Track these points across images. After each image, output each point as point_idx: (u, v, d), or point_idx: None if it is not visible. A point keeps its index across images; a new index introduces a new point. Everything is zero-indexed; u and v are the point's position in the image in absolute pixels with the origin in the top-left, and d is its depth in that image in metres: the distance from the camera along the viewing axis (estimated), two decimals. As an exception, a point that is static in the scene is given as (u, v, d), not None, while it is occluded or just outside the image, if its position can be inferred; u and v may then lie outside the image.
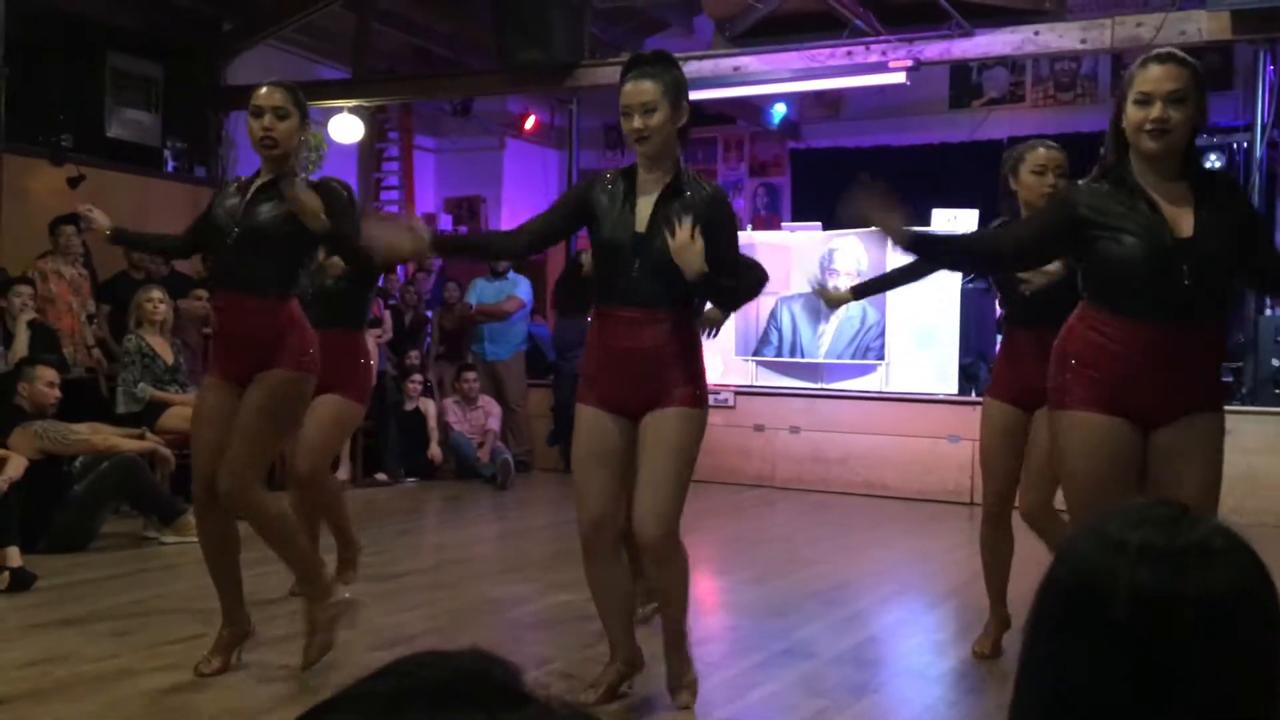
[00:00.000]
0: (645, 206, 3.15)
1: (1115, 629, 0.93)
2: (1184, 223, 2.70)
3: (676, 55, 2.81)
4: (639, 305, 3.12)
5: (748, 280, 3.47)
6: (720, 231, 3.15)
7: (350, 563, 4.83)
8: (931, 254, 3.21)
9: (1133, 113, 2.70)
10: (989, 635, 3.96)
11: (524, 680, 0.59)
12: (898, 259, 5.05)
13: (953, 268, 3.98)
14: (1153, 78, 2.68)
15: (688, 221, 3.06)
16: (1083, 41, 7.19)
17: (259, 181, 3.57)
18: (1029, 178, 3.81)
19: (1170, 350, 2.72)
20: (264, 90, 3.54)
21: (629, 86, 3.11)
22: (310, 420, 4.24)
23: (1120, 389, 2.74)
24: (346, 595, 3.82)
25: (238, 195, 3.57)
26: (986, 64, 10.12)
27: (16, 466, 4.93)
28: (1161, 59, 2.71)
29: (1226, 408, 2.99)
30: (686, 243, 3.05)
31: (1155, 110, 2.66)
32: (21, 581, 4.56)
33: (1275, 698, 0.93)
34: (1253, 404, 7.09)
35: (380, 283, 8.67)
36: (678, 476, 3.13)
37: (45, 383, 5.45)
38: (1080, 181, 2.89)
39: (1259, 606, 0.94)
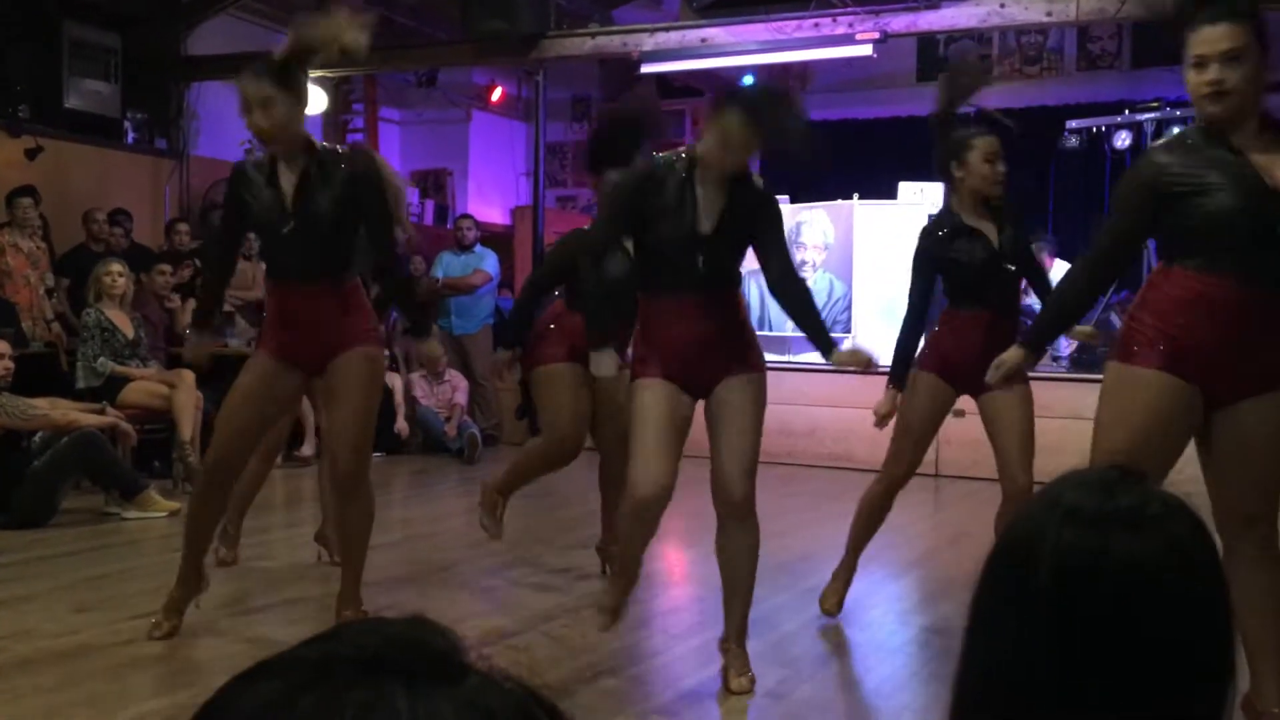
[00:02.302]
0: (708, 202, 3.19)
1: (1038, 591, 0.91)
2: (1278, 171, 2.54)
3: (643, 26, 2.85)
4: (705, 290, 3.22)
5: None
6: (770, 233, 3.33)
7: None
8: (1071, 325, 3.24)
9: (1191, 77, 2.55)
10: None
11: (465, 651, 0.58)
12: (863, 232, 5.03)
13: (1092, 307, 3.96)
14: (1205, 39, 2.52)
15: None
16: (1048, 14, 7.20)
17: (290, 169, 3.48)
18: (982, 166, 3.82)
19: (1261, 316, 2.57)
20: (245, 84, 3.40)
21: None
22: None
23: (1199, 354, 2.60)
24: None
25: (269, 186, 3.47)
26: (954, 37, 10.12)
27: (-26, 442, 4.86)
28: (1213, 17, 2.52)
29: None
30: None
31: (1211, 72, 2.50)
32: (-20, 558, 4.51)
33: (1202, 673, 0.91)
34: None
35: None
36: (758, 439, 3.30)
37: (-7, 355, 5.37)
38: (1154, 145, 2.78)
39: (1185, 578, 0.91)
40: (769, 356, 8.62)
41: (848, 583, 4.11)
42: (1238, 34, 2.50)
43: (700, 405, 3.34)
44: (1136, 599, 0.89)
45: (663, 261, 3.22)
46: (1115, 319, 7.50)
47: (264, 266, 3.72)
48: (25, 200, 7.18)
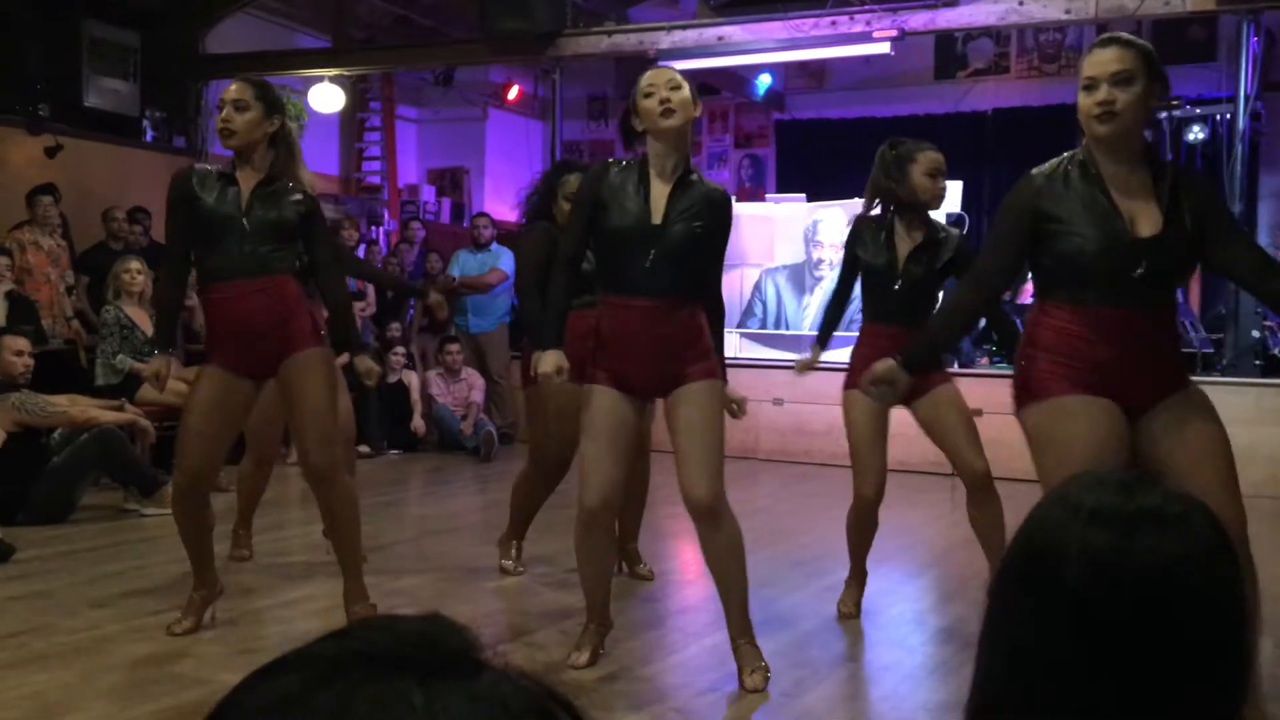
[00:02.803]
0: (659, 197, 3.23)
1: (1065, 591, 0.91)
2: (1143, 218, 2.68)
3: (660, 24, 2.87)
4: (655, 295, 3.22)
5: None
6: (720, 236, 3.34)
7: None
8: (944, 348, 3.33)
9: (1082, 100, 2.68)
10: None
11: (480, 648, 0.58)
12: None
13: (966, 335, 4.03)
14: (1097, 61, 2.65)
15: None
16: (1067, 12, 7.16)
17: (247, 175, 3.60)
18: (923, 180, 3.82)
19: (1134, 333, 2.72)
20: (232, 85, 3.62)
21: (650, 73, 3.25)
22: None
23: (1098, 375, 2.71)
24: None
25: (231, 185, 3.59)
26: (971, 35, 10.09)
27: (-6, 438, 4.89)
28: (1105, 43, 2.68)
29: (1207, 379, 3.03)
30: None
31: (1101, 93, 2.62)
32: (1, 553, 4.53)
33: (1225, 668, 0.91)
34: (1234, 375, 7.12)
35: (360, 253, 8.64)
36: (719, 441, 3.28)
37: (12, 352, 5.39)
38: (1035, 171, 2.82)
39: (1210, 575, 0.92)
40: (783, 355, 8.67)
41: (861, 586, 4.15)
42: (1127, 58, 2.62)
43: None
44: (1163, 598, 0.89)
45: (617, 256, 3.30)
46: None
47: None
48: (45, 198, 7.22)
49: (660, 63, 8.47)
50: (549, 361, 3.27)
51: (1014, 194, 2.82)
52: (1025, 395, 2.79)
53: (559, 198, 4.27)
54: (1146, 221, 2.67)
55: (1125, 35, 2.73)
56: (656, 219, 3.20)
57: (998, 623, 0.97)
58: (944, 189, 3.89)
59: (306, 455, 3.62)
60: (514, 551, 4.66)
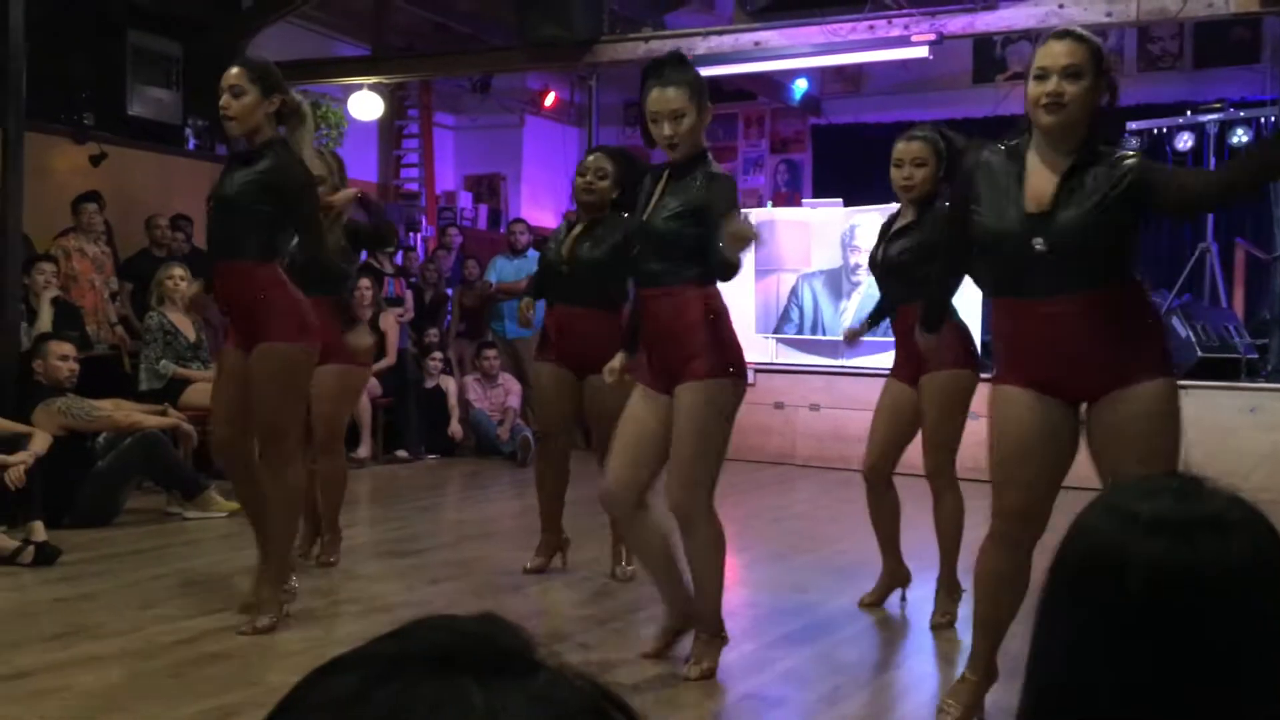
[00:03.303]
0: (659, 195, 3.33)
1: (1129, 603, 0.91)
2: (1047, 195, 2.71)
3: (696, 30, 2.87)
4: (652, 285, 3.32)
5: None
6: (711, 208, 3.22)
7: (330, 546, 4.78)
8: (939, 310, 3.31)
9: (1031, 88, 2.74)
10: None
11: (535, 648, 0.59)
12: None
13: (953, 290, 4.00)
14: (1049, 53, 2.73)
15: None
16: (1108, 15, 7.10)
17: (239, 151, 3.80)
18: (893, 170, 3.95)
19: (1056, 323, 2.71)
20: (231, 70, 3.69)
21: (655, 94, 3.22)
22: (314, 394, 4.36)
23: (1031, 365, 2.78)
24: (295, 584, 3.97)
25: (224, 171, 3.78)
26: (1010, 38, 10.01)
27: (41, 442, 4.97)
28: (1060, 35, 2.75)
29: (1253, 385, 2.98)
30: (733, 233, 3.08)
31: (1050, 84, 2.68)
32: (46, 556, 4.60)
33: None
34: (1279, 381, 7.02)
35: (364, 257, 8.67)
36: (696, 447, 3.23)
37: (58, 357, 5.47)
38: (986, 146, 2.90)
39: (1274, 578, 0.92)
40: (820, 361, 8.63)
41: (889, 580, 4.23)
42: (1079, 52, 2.69)
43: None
44: (1227, 603, 0.89)
45: (635, 254, 3.42)
46: (1178, 323, 7.36)
47: None
48: (90, 206, 7.33)
49: (697, 69, 8.50)
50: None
51: (963, 162, 2.97)
52: (993, 377, 2.96)
53: (575, 175, 4.59)
54: (1046, 198, 2.72)
55: (1080, 30, 2.81)
56: (645, 215, 3.31)
57: (1054, 633, 0.97)
58: (907, 177, 3.91)
59: (259, 442, 3.79)
60: (560, 548, 4.77)
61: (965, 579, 3.73)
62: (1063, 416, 2.80)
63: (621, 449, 3.37)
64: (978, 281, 3.13)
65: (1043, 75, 2.70)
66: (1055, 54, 2.70)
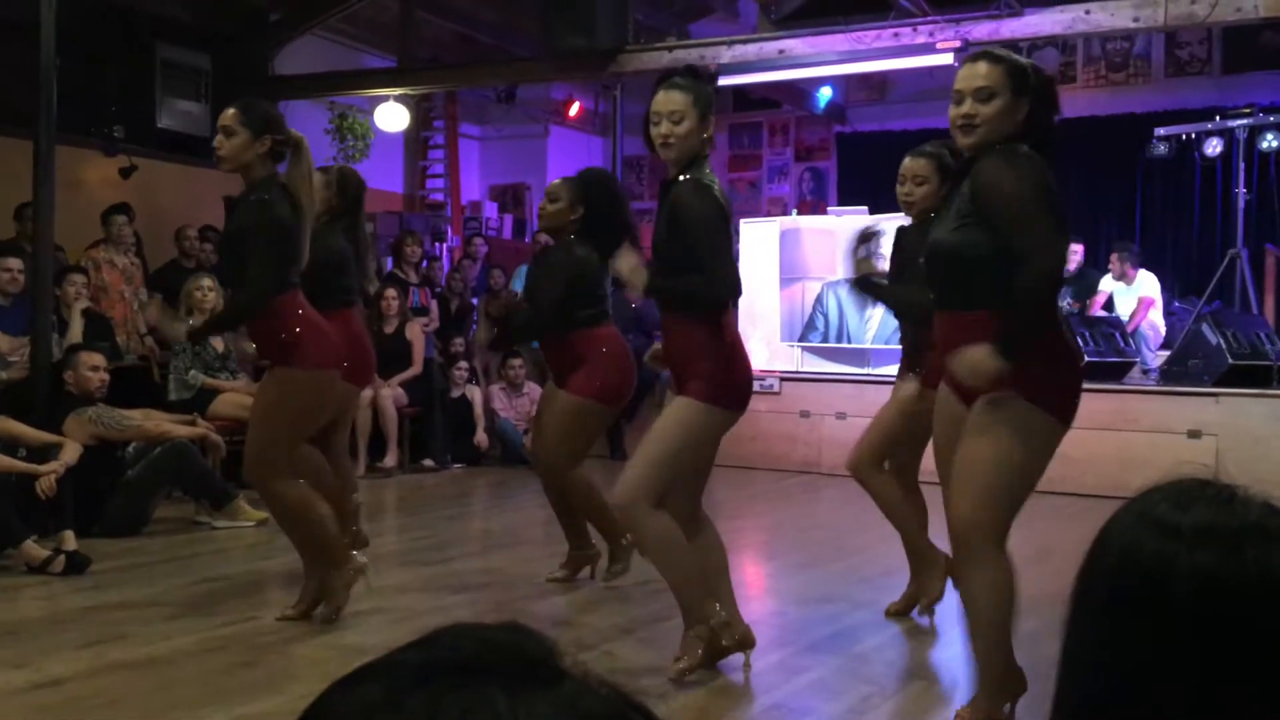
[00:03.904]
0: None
1: (1176, 613, 0.91)
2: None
3: (721, 39, 2.88)
4: (665, 308, 3.40)
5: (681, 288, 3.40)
6: (677, 232, 3.26)
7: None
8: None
9: (950, 110, 2.81)
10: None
11: (561, 656, 0.59)
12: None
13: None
14: (962, 76, 2.81)
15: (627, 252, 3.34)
16: (1135, 20, 7.06)
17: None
18: (898, 187, 4.03)
19: (946, 334, 2.87)
20: (227, 110, 3.82)
21: (660, 95, 3.26)
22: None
23: (945, 371, 2.93)
24: (363, 559, 4.08)
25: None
26: (1036, 44, 9.95)
27: (72, 452, 5.01)
28: (974, 58, 2.85)
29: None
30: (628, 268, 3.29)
31: (964, 107, 2.75)
32: (77, 565, 4.64)
33: None
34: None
35: (390, 266, 8.72)
36: (652, 452, 3.27)
37: (88, 367, 5.53)
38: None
39: None
40: (846, 369, 8.61)
41: (916, 588, 4.20)
42: (993, 74, 2.74)
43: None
44: (1277, 612, 0.89)
45: None
46: (1208, 330, 7.30)
47: None
48: (120, 218, 7.40)
49: (722, 78, 8.52)
50: None
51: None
52: None
53: None
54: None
55: (998, 51, 2.87)
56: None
57: (1088, 644, 0.96)
58: (907, 194, 4.00)
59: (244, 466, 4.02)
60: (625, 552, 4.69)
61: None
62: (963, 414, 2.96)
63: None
64: None
65: (958, 98, 2.79)
66: (968, 76, 2.77)
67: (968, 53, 7.53)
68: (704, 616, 3.34)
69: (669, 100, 3.21)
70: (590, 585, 4.68)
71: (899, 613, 4.19)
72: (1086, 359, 8.38)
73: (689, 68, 3.45)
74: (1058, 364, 2.81)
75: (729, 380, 3.31)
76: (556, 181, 4.70)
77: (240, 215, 3.79)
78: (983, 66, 2.76)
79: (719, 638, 3.35)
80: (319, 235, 4.64)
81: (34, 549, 4.63)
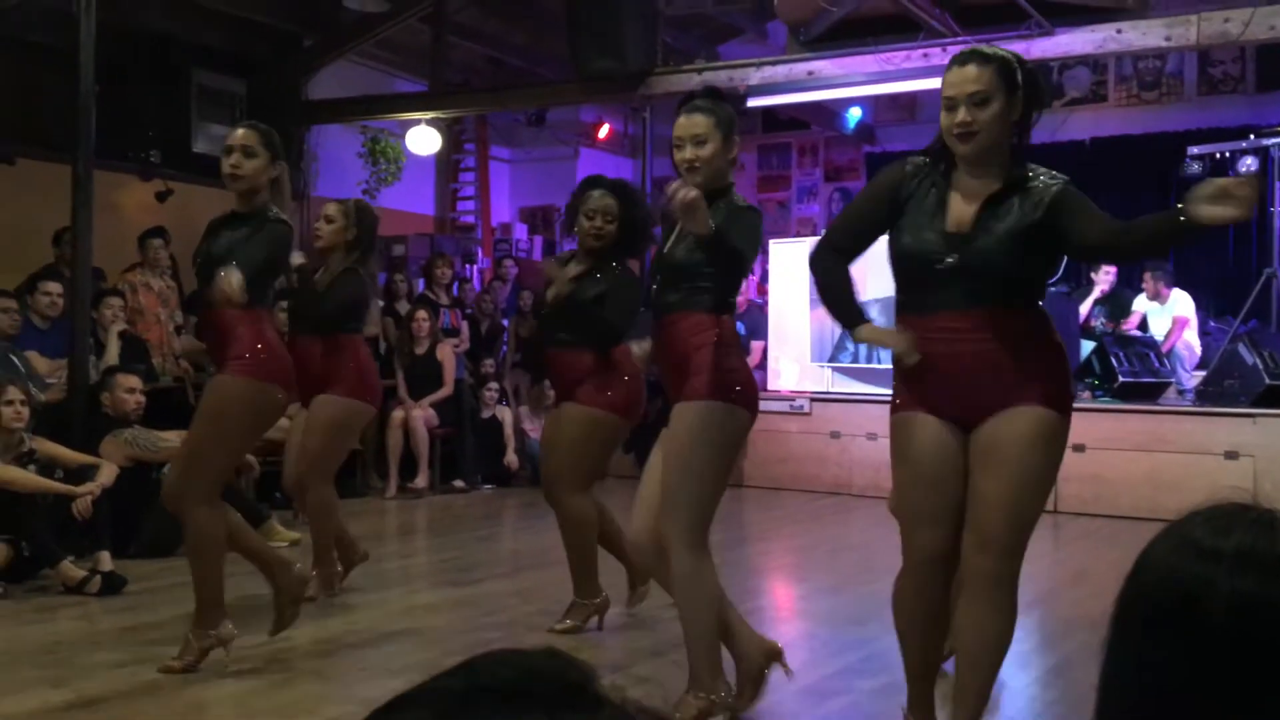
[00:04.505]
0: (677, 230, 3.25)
1: (1215, 637, 0.90)
2: (967, 218, 2.66)
3: (750, 61, 2.86)
4: (667, 313, 3.22)
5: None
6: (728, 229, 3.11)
7: (322, 580, 4.68)
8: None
9: (942, 118, 2.68)
10: None
11: (599, 682, 0.59)
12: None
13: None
14: (952, 80, 2.65)
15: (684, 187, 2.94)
16: (1167, 39, 7.02)
17: (231, 211, 3.81)
18: (584, 222, 4.08)
19: (952, 338, 2.64)
20: (239, 131, 3.77)
21: (682, 119, 3.21)
22: (307, 424, 4.64)
23: (925, 386, 2.71)
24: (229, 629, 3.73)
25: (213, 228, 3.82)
26: (1067, 63, 9.94)
27: (108, 473, 5.07)
28: (962, 59, 2.67)
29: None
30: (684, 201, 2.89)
31: (959, 114, 2.62)
32: (113, 585, 4.68)
33: None
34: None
35: (382, 281, 8.76)
36: (679, 470, 3.07)
37: (125, 389, 5.59)
38: (909, 161, 2.82)
39: None
40: (876, 390, 8.57)
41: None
42: (984, 77, 2.61)
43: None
44: None
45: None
46: (1244, 350, 7.22)
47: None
48: (156, 241, 7.50)
49: (751, 99, 8.54)
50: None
51: (887, 169, 2.86)
52: (892, 400, 2.85)
53: (580, 214, 4.21)
54: (967, 221, 2.66)
55: (985, 50, 2.70)
56: (666, 249, 3.27)
57: (1126, 669, 0.96)
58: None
59: (167, 480, 3.94)
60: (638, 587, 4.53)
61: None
62: (959, 442, 2.72)
63: (644, 497, 3.23)
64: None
65: (951, 105, 2.64)
66: (959, 82, 2.63)
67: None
68: (709, 689, 3.15)
69: (691, 124, 3.16)
70: (617, 607, 4.66)
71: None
72: (1121, 380, 8.21)
73: (709, 89, 3.36)
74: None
75: (744, 378, 3.19)
76: (604, 195, 4.33)
77: (265, 233, 3.67)
78: (973, 70, 2.62)
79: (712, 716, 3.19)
80: (346, 276, 4.72)
81: (71, 569, 4.68)
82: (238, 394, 3.61)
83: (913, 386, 2.74)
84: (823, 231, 3.01)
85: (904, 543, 2.79)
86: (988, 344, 2.65)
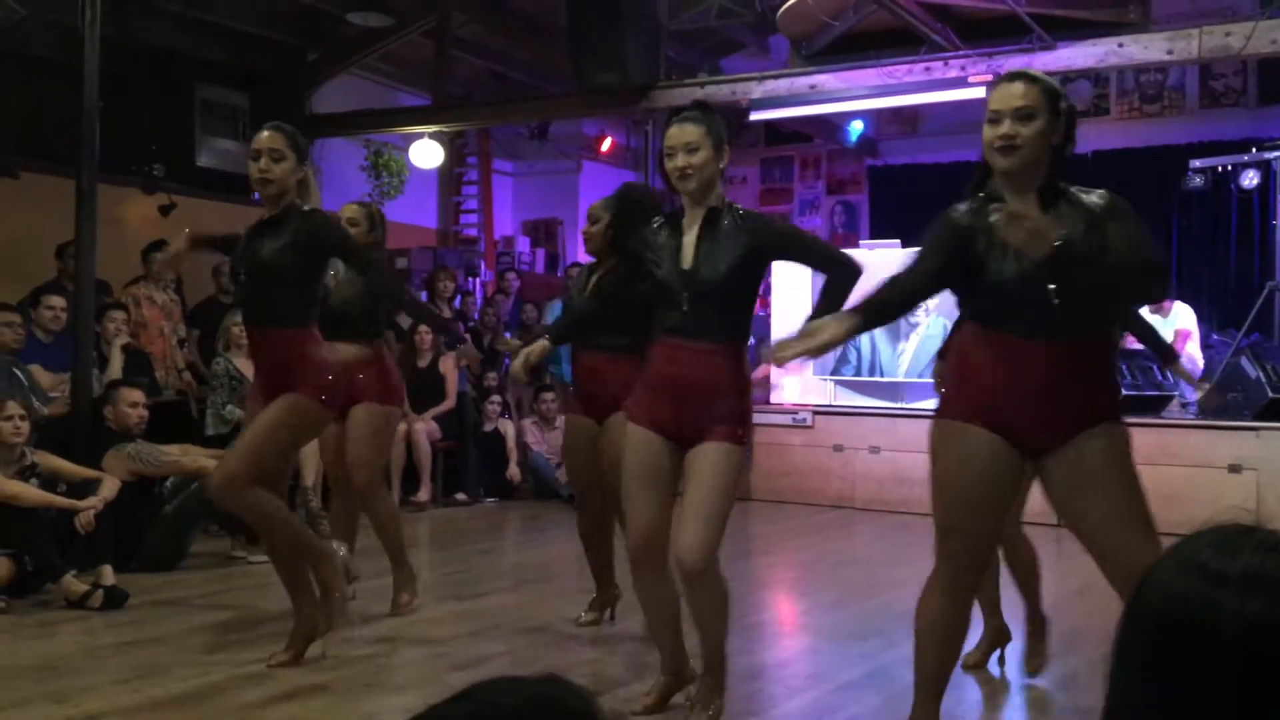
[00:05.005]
0: (690, 242, 3.23)
1: (1222, 659, 0.90)
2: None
3: (752, 75, 2.85)
4: (690, 337, 3.19)
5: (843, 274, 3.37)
6: (784, 250, 3.28)
7: (402, 585, 4.76)
8: (879, 322, 3.05)
9: (985, 132, 2.73)
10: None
11: (599, 708, 0.59)
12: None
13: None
14: (1001, 96, 2.72)
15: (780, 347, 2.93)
16: (1169, 53, 7.04)
17: (262, 218, 3.81)
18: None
19: (1045, 367, 2.67)
20: (264, 134, 3.78)
21: (674, 129, 3.25)
22: (351, 435, 4.58)
23: (996, 404, 2.71)
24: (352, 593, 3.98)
25: (250, 235, 3.81)
26: (1069, 77, 9.94)
27: (110, 487, 5.06)
28: (1012, 77, 2.75)
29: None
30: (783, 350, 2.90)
31: (1003, 127, 2.68)
32: (115, 600, 4.68)
33: None
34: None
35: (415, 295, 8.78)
36: (718, 511, 3.17)
37: (128, 404, 5.59)
38: (956, 211, 2.82)
39: None
40: (879, 403, 8.56)
41: (992, 636, 4.08)
42: (1031, 94, 2.69)
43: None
44: None
45: (660, 303, 3.30)
46: (1246, 363, 7.21)
47: None
48: (159, 255, 7.50)
49: (753, 113, 8.56)
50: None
51: (935, 226, 2.85)
52: (939, 409, 2.87)
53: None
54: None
55: (1032, 72, 2.79)
56: (686, 264, 3.20)
57: (1133, 692, 0.95)
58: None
59: (213, 475, 3.90)
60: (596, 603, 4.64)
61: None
62: (1016, 463, 2.74)
63: (646, 499, 3.25)
64: (960, 306, 2.92)
65: (995, 118, 2.70)
66: (1007, 96, 2.70)
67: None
68: (720, 703, 3.33)
69: (683, 133, 3.20)
70: (620, 620, 4.65)
71: (975, 666, 4.02)
72: (1124, 393, 8.26)
73: (697, 102, 3.39)
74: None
75: (751, 416, 3.28)
76: (595, 204, 4.51)
77: (309, 232, 3.71)
78: (1019, 86, 2.70)
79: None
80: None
81: (73, 584, 4.67)
82: (313, 419, 3.81)
83: (974, 400, 2.74)
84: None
85: (937, 547, 2.81)
86: (1066, 374, 2.67)
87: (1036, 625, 4.03)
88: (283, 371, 3.74)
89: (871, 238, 10.46)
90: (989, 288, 2.71)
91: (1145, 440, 7.07)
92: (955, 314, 3.17)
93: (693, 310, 3.18)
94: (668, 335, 3.23)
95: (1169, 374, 8.07)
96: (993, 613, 4.07)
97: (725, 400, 3.18)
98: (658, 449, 3.24)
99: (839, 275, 3.34)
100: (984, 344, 2.74)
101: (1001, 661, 4.09)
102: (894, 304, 2.92)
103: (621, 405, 3.99)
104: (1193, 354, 8.83)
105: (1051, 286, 2.61)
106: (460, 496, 8.22)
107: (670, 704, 3.40)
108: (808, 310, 3.28)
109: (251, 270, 3.73)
